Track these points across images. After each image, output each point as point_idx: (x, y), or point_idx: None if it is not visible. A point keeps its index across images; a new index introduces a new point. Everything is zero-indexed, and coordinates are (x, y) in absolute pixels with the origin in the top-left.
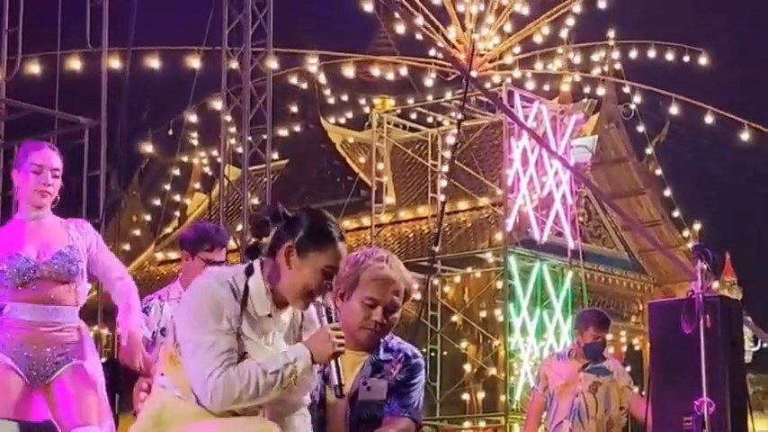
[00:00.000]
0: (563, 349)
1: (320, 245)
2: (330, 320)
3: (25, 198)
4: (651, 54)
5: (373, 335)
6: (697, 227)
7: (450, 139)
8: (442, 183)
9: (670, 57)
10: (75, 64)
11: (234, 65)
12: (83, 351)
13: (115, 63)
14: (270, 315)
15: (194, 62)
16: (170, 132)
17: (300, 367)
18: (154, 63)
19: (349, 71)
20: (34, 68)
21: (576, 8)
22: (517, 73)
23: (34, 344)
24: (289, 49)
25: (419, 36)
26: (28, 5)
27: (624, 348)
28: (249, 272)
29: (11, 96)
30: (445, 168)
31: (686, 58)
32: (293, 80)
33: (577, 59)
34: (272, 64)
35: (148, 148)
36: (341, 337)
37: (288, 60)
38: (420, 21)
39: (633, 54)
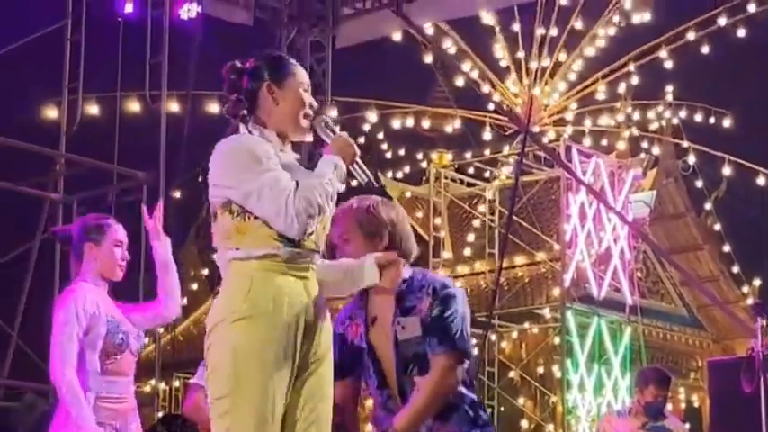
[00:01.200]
0: (623, 407)
1: (288, 70)
2: (333, 132)
3: (96, 270)
4: (682, 114)
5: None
6: (757, 283)
7: (489, 194)
8: (469, 237)
9: (698, 118)
10: (134, 106)
11: None
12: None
13: (174, 107)
14: (282, 150)
15: None
16: (200, 179)
17: (341, 169)
18: (213, 108)
19: (408, 123)
20: (93, 114)
21: (631, 66)
22: (569, 129)
23: (119, 419)
24: (347, 98)
25: (477, 90)
26: (88, 60)
27: (683, 405)
28: (244, 122)
29: (69, 145)
30: (476, 223)
31: (712, 120)
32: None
33: (635, 115)
34: (332, 113)
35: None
36: (351, 139)
37: (344, 113)
38: (477, 74)
39: (687, 114)
